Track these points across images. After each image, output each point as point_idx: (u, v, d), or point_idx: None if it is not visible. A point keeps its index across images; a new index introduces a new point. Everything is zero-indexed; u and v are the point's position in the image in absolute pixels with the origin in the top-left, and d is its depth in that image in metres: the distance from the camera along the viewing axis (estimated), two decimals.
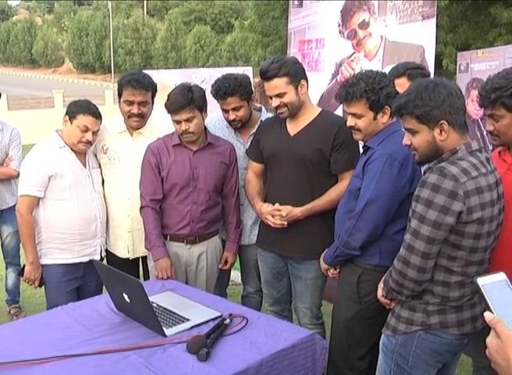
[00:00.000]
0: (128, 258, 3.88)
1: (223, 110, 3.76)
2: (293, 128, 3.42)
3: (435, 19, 4.54)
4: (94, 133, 3.61)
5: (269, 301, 3.81)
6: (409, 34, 4.65)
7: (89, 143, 3.61)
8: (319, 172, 3.35)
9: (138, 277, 4.09)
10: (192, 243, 3.60)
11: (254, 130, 3.83)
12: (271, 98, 3.36)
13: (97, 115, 3.59)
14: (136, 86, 3.64)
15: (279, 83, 3.26)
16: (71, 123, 3.57)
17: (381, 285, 2.66)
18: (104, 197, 3.81)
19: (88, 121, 3.54)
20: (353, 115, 2.93)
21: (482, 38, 12.62)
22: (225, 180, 3.67)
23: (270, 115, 3.99)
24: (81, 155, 3.69)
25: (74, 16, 65.69)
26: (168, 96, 3.44)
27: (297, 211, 3.30)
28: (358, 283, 2.97)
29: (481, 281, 1.42)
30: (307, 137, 3.35)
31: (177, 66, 42.69)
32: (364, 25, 4.95)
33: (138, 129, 3.80)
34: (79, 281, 3.74)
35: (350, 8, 5.02)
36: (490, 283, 1.42)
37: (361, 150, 3.11)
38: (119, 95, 3.75)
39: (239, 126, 3.80)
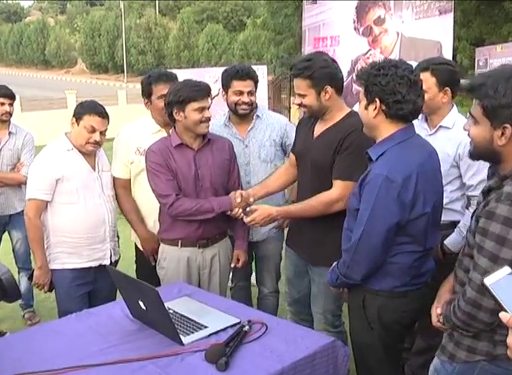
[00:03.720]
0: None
1: (237, 93, 3.76)
2: (317, 130, 3.31)
3: (452, 13, 4.46)
4: (102, 134, 3.56)
5: (289, 300, 3.72)
6: (426, 30, 4.57)
7: (97, 143, 3.56)
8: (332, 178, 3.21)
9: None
10: (204, 246, 3.53)
11: (251, 126, 3.90)
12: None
13: (103, 114, 3.55)
14: (167, 80, 3.71)
15: (300, 84, 3.17)
16: (78, 124, 3.54)
17: (437, 312, 2.39)
18: (137, 197, 3.85)
19: (94, 121, 3.50)
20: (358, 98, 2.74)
21: (496, 33, 12.50)
22: (228, 175, 3.62)
23: (267, 111, 4.16)
24: (90, 157, 3.65)
25: (87, 17, 65.87)
26: (179, 90, 3.36)
27: (273, 210, 3.23)
28: (364, 307, 2.71)
29: (489, 281, 1.35)
30: (324, 142, 3.22)
31: (190, 65, 42.67)
32: (379, 21, 4.87)
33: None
34: (89, 286, 3.70)
35: (365, 4, 4.95)
36: (498, 280, 1.35)
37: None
38: (149, 95, 3.75)
39: (248, 111, 3.81)
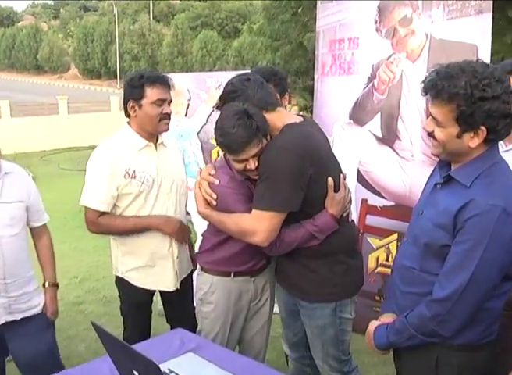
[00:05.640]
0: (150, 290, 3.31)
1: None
2: None
3: (490, 13, 3.92)
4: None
5: (287, 343, 3.22)
6: (459, 31, 4.03)
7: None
8: None
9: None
10: (257, 274, 2.99)
11: None
12: None
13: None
14: (164, 83, 3.11)
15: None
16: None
17: None
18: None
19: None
20: (434, 118, 2.09)
21: (499, 41, 12.13)
22: None
23: None
24: None
25: (80, 22, 65.93)
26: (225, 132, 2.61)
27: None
28: (437, 368, 2.16)
29: None
30: None
31: (183, 72, 42.39)
32: (405, 21, 4.33)
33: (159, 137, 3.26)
34: None
35: (389, 2, 4.41)
36: None
37: (434, 172, 2.39)
38: (140, 98, 3.06)
39: None
